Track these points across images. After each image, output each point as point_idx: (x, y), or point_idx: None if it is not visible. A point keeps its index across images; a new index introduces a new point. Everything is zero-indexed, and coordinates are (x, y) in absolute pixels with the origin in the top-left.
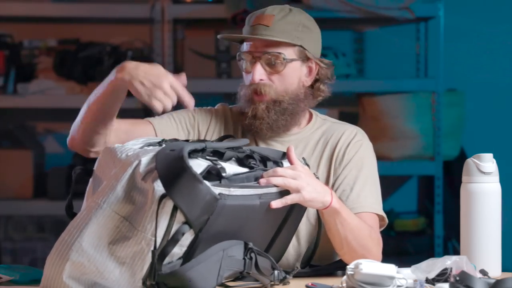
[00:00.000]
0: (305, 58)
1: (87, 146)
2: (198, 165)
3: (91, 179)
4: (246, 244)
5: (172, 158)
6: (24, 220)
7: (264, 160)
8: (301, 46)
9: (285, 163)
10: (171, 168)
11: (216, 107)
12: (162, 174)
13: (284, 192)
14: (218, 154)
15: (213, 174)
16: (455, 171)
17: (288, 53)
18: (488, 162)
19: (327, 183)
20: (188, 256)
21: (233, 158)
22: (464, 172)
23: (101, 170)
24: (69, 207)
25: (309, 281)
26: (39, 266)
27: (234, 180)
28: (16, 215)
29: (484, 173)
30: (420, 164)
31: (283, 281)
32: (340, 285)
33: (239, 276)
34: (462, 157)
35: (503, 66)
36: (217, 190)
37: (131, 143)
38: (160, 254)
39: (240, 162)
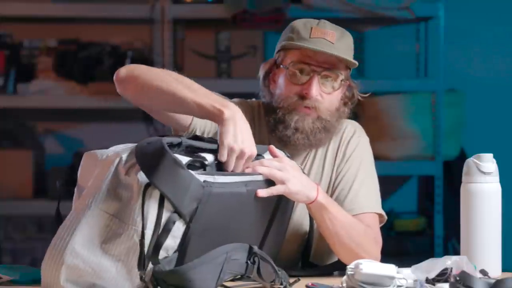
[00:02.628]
0: (346, 81)
1: (136, 101)
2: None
3: (76, 189)
4: (251, 248)
5: (150, 148)
6: (24, 220)
7: None
8: (350, 69)
9: (266, 155)
10: (150, 156)
11: (237, 102)
12: (143, 164)
13: (270, 181)
14: (194, 148)
15: (197, 166)
16: (455, 171)
17: (344, 74)
18: (488, 162)
19: (330, 180)
20: (183, 249)
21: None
22: (464, 172)
23: (83, 177)
24: (58, 217)
25: (309, 281)
26: (39, 266)
27: (217, 167)
28: (16, 215)
29: (484, 173)
30: (420, 164)
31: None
32: (340, 285)
33: (239, 276)
34: (462, 157)
35: (503, 66)
36: (201, 177)
37: (112, 148)
38: (155, 246)
39: (215, 152)
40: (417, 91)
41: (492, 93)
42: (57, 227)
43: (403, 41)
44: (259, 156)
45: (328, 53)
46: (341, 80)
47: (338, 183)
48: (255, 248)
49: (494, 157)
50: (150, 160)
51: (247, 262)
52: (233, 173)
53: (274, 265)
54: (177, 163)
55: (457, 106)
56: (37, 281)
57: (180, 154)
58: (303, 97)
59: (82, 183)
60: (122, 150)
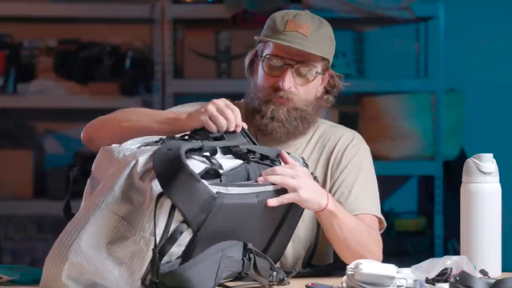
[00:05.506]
0: (326, 70)
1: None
2: (195, 166)
3: (88, 180)
4: (245, 245)
5: (169, 157)
6: (24, 220)
7: (262, 158)
8: (328, 60)
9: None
10: (168, 167)
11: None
12: (159, 173)
13: (281, 191)
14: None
15: (212, 174)
16: (455, 171)
17: (318, 66)
18: (488, 162)
19: (323, 187)
20: (186, 255)
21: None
22: (464, 172)
23: (99, 170)
24: (67, 208)
25: (309, 281)
26: (39, 266)
27: (231, 176)
28: (16, 215)
29: (484, 173)
30: (420, 164)
31: (281, 282)
32: (340, 285)
33: (238, 276)
34: (462, 157)
35: (503, 66)
36: (214, 189)
37: (129, 143)
38: (159, 253)
39: (237, 155)
40: (417, 91)
41: (492, 93)
42: (65, 217)
43: (403, 41)
44: (274, 162)
45: (297, 48)
46: (316, 72)
47: (336, 188)
48: (249, 245)
49: (494, 157)
50: (167, 170)
51: (243, 259)
52: (245, 184)
53: (270, 260)
54: (194, 176)
55: (457, 106)
56: (37, 281)
57: (199, 157)
58: (277, 88)
59: (96, 174)
60: (139, 151)
